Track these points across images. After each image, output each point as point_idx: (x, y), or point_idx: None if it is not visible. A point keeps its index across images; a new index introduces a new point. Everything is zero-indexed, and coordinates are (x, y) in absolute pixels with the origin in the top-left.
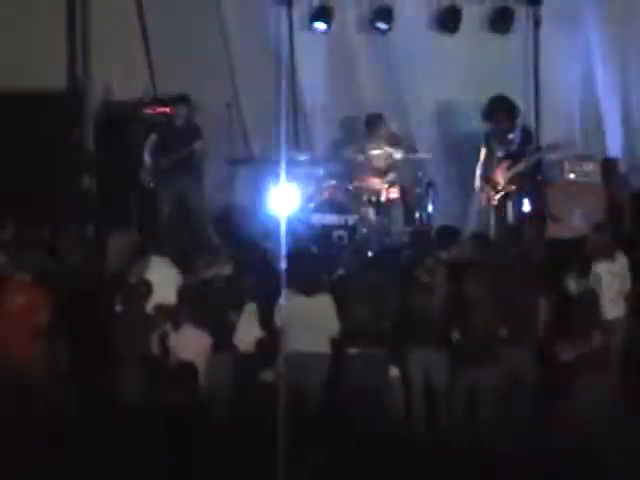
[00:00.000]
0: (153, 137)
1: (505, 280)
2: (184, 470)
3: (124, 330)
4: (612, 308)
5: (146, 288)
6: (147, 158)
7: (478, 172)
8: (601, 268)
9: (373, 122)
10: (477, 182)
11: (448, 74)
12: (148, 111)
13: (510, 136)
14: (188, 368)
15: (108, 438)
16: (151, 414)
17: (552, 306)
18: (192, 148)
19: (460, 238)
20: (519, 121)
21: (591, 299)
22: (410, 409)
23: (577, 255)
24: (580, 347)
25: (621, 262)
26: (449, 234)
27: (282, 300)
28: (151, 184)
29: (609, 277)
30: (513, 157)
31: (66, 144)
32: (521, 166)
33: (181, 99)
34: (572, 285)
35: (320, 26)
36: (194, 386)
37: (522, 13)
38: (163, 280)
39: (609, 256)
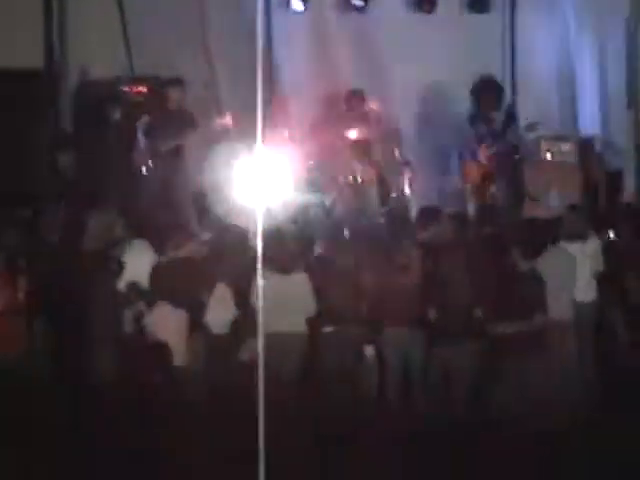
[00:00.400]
0: (145, 119)
1: (480, 260)
2: (158, 450)
3: (99, 309)
4: (585, 290)
5: (119, 267)
6: (141, 141)
7: (461, 151)
8: (574, 249)
9: (354, 98)
10: (458, 161)
11: (426, 53)
12: (126, 90)
13: (493, 115)
14: (162, 347)
15: (82, 417)
16: (126, 393)
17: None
18: (186, 135)
19: (441, 218)
20: (503, 102)
21: (534, 280)
22: (385, 389)
23: (528, 236)
24: (517, 326)
25: (594, 243)
26: (430, 214)
27: (258, 280)
28: (144, 167)
29: (582, 258)
30: (495, 137)
31: (43, 123)
32: (501, 146)
33: (174, 82)
34: (520, 264)
35: (298, 6)
36: (168, 365)
37: None
38: (140, 261)
39: (582, 237)
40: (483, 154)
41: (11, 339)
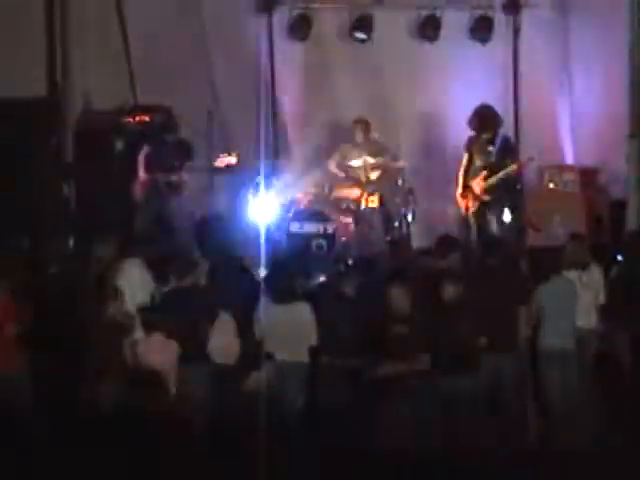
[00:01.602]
0: (146, 149)
1: (485, 289)
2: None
3: (97, 337)
4: (583, 318)
5: (116, 293)
6: (141, 172)
7: (459, 180)
8: (575, 277)
9: (358, 127)
10: (458, 190)
11: (429, 82)
12: (128, 120)
13: (490, 147)
14: (156, 375)
15: (78, 443)
16: (122, 420)
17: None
18: (185, 168)
19: (459, 248)
20: (501, 131)
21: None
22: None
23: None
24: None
25: (594, 273)
26: (449, 243)
27: (260, 309)
28: (142, 198)
29: (583, 286)
30: (492, 167)
31: (46, 153)
32: (495, 179)
33: (179, 119)
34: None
35: (300, 35)
36: (162, 394)
37: (502, 21)
38: (138, 284)
39: (583, 265)
40: (479, 184)
41: (9, 366)
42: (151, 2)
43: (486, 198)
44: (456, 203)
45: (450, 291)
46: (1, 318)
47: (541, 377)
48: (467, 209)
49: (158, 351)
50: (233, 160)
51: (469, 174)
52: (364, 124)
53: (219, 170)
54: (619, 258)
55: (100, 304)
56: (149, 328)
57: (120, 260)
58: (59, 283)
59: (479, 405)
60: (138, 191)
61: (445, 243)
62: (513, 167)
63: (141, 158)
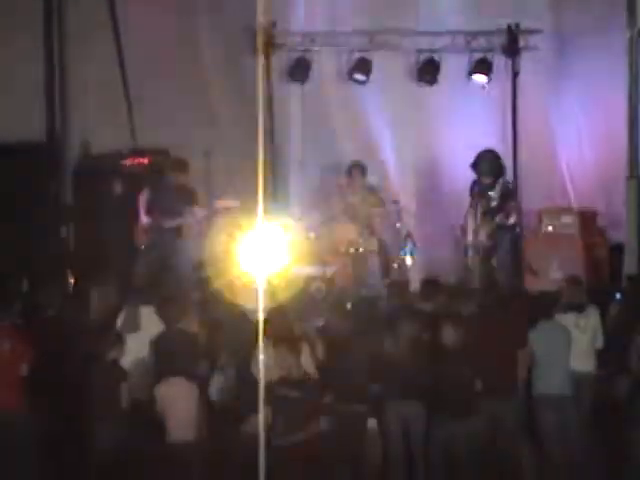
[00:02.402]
0: (147, 194)
1: (483, 332)
2: None
3: (98, 381)
4: (579, 361)
5: (118, 338)
6: (143, 216)
7: (465, 222)
8: (570, 319)
9: (355, 171)
10: (460, 232)
11: (427, 125)
12: (127, 163)
13: (491, 192)
14: (161, 418)
15: None
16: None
17: None
18: (189, 215)
19: (443, 291)
20: (502, 177)
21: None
22: (388, 462)
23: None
24: None
25: (592, 316)
26: (433, 286)
27: (260, 352)
28: (145, 244)
29: (575, 330)
30: (492, 213)
31: (45, 196)
32: (494, 224)
33: (182, 164)
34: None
35: (299, 78)
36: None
37: (501, 64)
38: (154, 329)
39: (579, 308)
40: (482, 229)
41: (17, 406)
42: (150, 47)
43: (487, 243)
44: (456, 246)
45: (449, 335)
46: (14, 359)
47: (537, 422)
48: (466, 252)
49: (177, 397)
50: (234, 204)
51: (471, 218)
52: (361, 168)
53: (217, 214)
54: (617, 298)
55: (101, 348)
56: (168, 372)
57: (122, 305)
58: (57, 326)
59: (477, 451)
60: (140, 236)
61: (429, 286)
62: (502, 218)
63: (142, 201)
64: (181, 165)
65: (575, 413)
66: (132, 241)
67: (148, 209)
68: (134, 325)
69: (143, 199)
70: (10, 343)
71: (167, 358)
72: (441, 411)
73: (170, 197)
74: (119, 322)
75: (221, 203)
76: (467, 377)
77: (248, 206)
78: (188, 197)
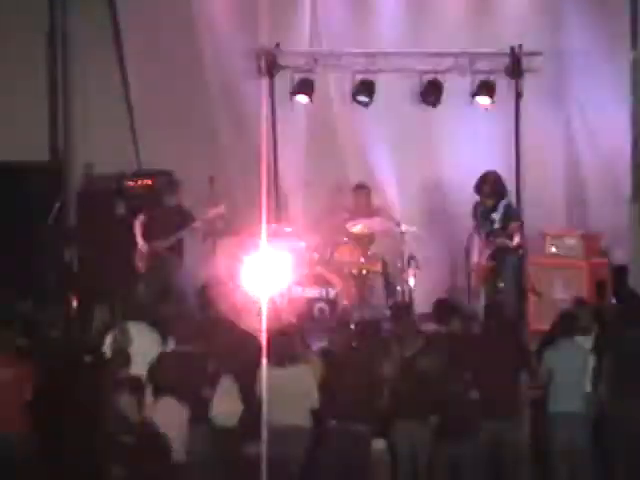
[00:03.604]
0: (141, 217)
1: (487, 355)
2: None
3: (102, 401)
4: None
5: (123, 358)
6: (140, 242)
7: (468, 244)
8: (579, 342)
9: (360, 193)
10: (464, 254)
11: (430, 147)
12: (130, 184)
13: (493, 215)
14: (164, 440)
15: None
16: None
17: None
18: (183, 234)
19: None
20: (505, 199)
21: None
22: None
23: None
24: None
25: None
26: (449, 308)
27: (262, 373)
28: (146, 269)
29: (586, 353)
30: (495, 235)
31: (48, 216)
32: (496, 246)
33: (172, 184)
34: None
35: (301, 99)
36: (169, 458)
37: (504, 86)
38: (146, 346)
39: (586, 331)
40: (484, 252)
41: (14, 429)
42: (154, 68)
43: (490, 264)
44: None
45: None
46: (19, 380)
47: (548, 440)
48: (469, 275)
49: (168, 415)
50: (221, 210)
51: (474, 240)
52: (366, 190)
53: (220, 234)
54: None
55: (105, 369)
56: (159, 392)
57: (125, 324)
58: (60, 347)
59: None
60: (139, 261)
61: (443, 308)
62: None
63: (137, 226)
64: (171, 185)
65: (588, 433)
66: (135, 268)
67: (144, 232)
68: (125, 341)
69: (138, 223)
70: (12, 371)
71: (164, 378)
72: (446, 431)
73: (164, 219)
74: (109, 340)
75: (211, 212)
76: (469, 397)
77: (252, 228)
78: (182, 218)
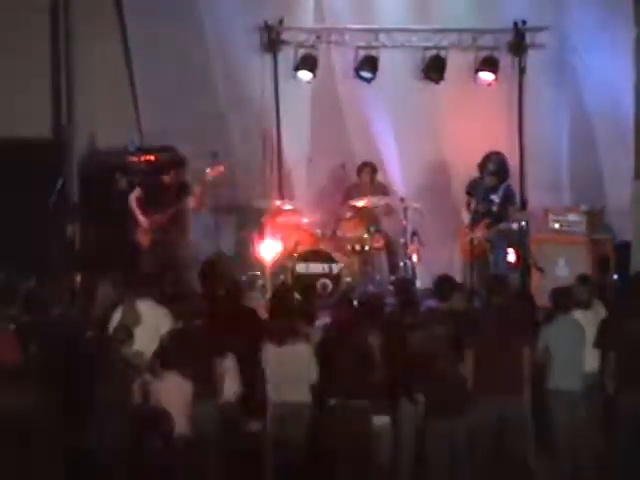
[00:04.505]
0: (137, 191)
1: (489, 331)
2: None
3: (106, 377)
4: (590, 360)
5: (126, 334)
6: (140, 217)
7: (465, 220)
8: (576, 317)
9: (365, 170)
10: (461, 232)
11: (433, 123)
12: (133, 160)
13: (493, 196)
14: (167, 416)
15: None
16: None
17: None
18: (182, 204)
19: (460, 289)
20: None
21: None
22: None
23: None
24: None
25: (599, 312)
26: (450, 284)
27: (264, 350)
28: (147, 243)
29: (588, 326)
30: (493, 216)
31: (50, 192)
32: (495, 229)
33: (179, 161)
34: None
35: (305, 75)
36: (171, 434)
37: (507, 62)
38: (157, 322)
39: (585, 306)
40: (481, 230)
41: (17, 406)
42: (157, 43)
43: (487, 245)
44: (460, 245)
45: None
46: (6, 357)
47: (548, 418)
48: (471, 252)
49: (173, 392)
50: (221, 169)
51: (472, 217)
52: (370, 167)
53: (224, 211)
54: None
55: (109, 345)
56: (164, 368)
57: (130, 300)
58: (63, 324)
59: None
60: (142, 237)
61: (445, 284)
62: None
63: (133, 201)
64: (174, 162)
65: (585, 410)
66: (138, 244)
67: (142, 207)
68: (135, 320)
69: (134, 197)
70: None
71: (168, 354)
72: (442, 408)
73: (162, 192)
74: (117, 317)
75: (210, 172)
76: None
77: (254, 203)
78: (180, 189)
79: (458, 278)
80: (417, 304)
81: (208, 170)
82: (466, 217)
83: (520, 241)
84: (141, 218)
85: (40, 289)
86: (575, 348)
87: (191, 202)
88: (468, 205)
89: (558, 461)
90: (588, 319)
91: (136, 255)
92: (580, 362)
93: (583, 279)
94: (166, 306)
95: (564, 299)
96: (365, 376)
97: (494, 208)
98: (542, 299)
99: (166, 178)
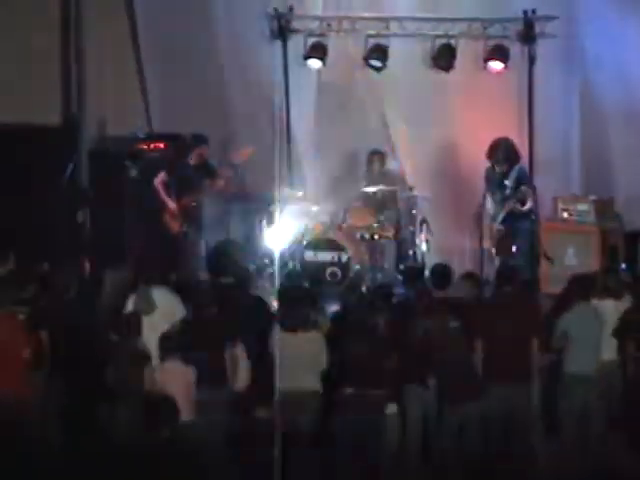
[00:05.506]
0: (162, 175)
1: (499, 320)
2: None
3: (115, 364)
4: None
5: (136, 320)
6: (168, 201)
7: (480, 209)
8: (607, 306)
9: (374, 158)
10: (475, 219)
11: (443, 111)
12: (143, 147)
13: (506, 181)
14: (173, 402)
15: (97, 472)
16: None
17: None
18: (213, 187)
19: (452, 277)
20: (517, 165)
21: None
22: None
23: None
24: None
25: (628, 302)
26: (443, 272)
27: (274, 338)
28: (179, 228)
29: (615, 316)
30: (507, 200)
31: (61, 178)
32: (508, 211)
33: (200, 139)
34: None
35: (314, 63)
36: (174, 421)
37: (517, 51)
38: (172, 310)
39: (617, 296)
40: (497, 217)
41: (26, 393)
42: (167, 31)
43: (502, 230)
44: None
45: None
46: (15, 345)
47: (564, 404)
48: (481, 240)
49: (175, 378)
50: (250, 150)
51: (486, 204)
52: (380, 155)
53: (234, 198)
54: None
55: (120, 331)
56: (166, 355)
57: (148, 289)
58: (75, 309)
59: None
60: (172, 222)
61: (439, 273)
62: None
63: (159, 184)
64: (201, 139)
65: (600, 395)
66: (167, 228)
67: (167, 190)
68: (149, 306)
69: (159, 181)
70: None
71: (181, 342)
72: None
73: (190, 176)
74: (131, 304)
75: (237, 156)
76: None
77: (264, 191)
78: (208, 171)
79: (470, 267)
80: (428, 292)
81: (240, 152)
82: (490, 207)
83: (531, 228)
84: (169, 202)
85: (54, 274)
86: (594, 335)
87: (220, 184)
88: (486, 194)
89: (568, 447)
90: (620, 309)
91: (166, 240)
92: (597, 348)
93: (609, 268)
94: (178, 293)
95: (586, 286)
96: (379, 363)
97: (507, 192)
98: (550, 288)
99: (190, 160)
